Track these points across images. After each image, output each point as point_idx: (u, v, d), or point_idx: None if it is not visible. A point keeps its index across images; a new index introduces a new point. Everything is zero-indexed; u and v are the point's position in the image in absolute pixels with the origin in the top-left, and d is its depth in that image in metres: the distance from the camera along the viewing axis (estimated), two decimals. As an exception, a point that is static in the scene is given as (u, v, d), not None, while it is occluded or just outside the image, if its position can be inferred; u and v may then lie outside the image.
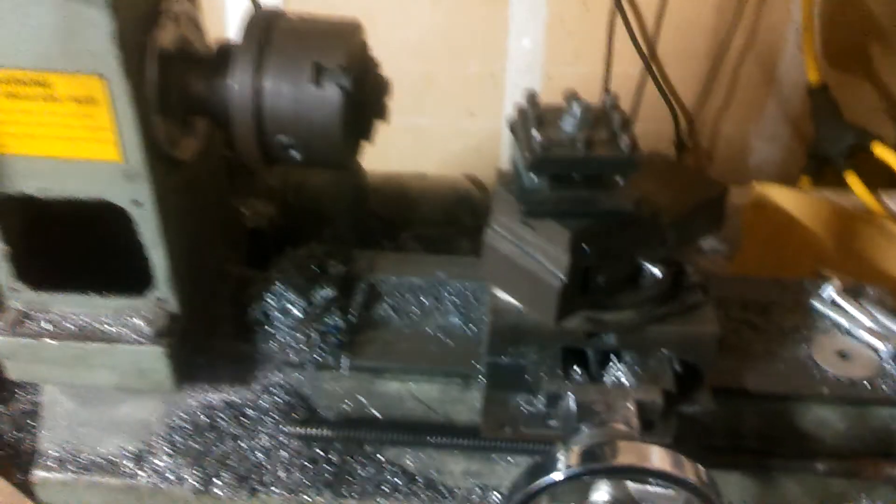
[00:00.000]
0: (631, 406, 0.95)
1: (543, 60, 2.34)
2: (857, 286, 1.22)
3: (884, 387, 1.08)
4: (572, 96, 0.90)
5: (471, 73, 2.38)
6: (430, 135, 2.46)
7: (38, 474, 1.18)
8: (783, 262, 1.55)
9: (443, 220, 1.81)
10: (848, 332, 1.16)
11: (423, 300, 1.20)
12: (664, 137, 2.40)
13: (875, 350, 1.12)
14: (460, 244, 1.75)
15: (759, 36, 2.30)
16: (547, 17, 2.28)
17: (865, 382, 1.09)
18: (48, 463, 1.18)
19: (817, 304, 1.19)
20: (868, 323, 1.14)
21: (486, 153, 2.47)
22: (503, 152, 2.47)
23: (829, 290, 1.19)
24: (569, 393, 0.96)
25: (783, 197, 1.56)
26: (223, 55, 0.97)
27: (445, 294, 1.20)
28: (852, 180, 1.78)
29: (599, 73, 2.30)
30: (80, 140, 0.94)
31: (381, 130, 1.10)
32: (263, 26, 0.96)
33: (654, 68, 2.31)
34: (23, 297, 1.07)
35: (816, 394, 1.09)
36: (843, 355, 1.12)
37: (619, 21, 2.23)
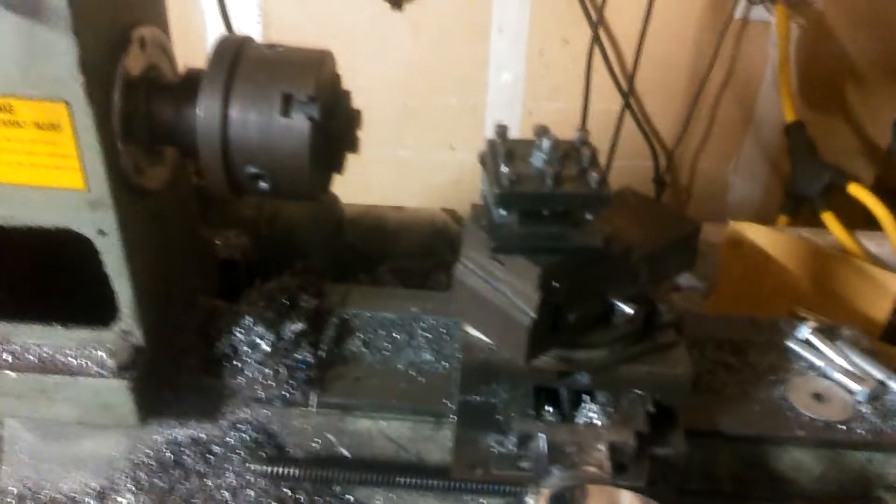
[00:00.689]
0: (603, 447, 0.93)
1: (523, 95, 2.36)
2: (832, 327, 1.21)
3: (859, 430, 1.07)
4: (542, 131, 0.89)
5: (451, 106, 2.38)
6: (411, 167, 2.46)
7: (-5, 512, 1.14)
8: (759, 300, 1.54)
9: (420, 254, 1.80)
10: (823, 374, 1.15)
11: (396, 335, 1.19)
12: (643, 174, 2.41)
13: (850, 392, 1.11)
14: (438, 278, 1.74)
15: (737, 74, 2.32)
16: (527, 52, 2.29)
17: (841, 425, 1.07)
18: (8, 500, 1.14)
19: (793, 345, 1.18)
20: (843, 364, 1.13)
21: (467, 186, 2.47)
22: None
23: (805, 331, 1.18)
24: (540, 434, 0.94)
25: (759, 235, 1.56)
26: (191, 82, 0.96)
27: (418, 329, 1.19)
28: (829, 220, 1.78)
29: (579, 108, 2.32)
30: (44, 167, 0.92)
31: (361, 162, 1.08)
32: (232, 54, 0.95)
33: (633, 104, 2.32)
34: (-17, 326, 1.04)
35: (792, 436, 1.08)
36: (818, 397, 1.11)
37: (599, 57, 2.25)
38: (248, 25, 2.21)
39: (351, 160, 1.06)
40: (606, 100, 2.31)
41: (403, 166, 2.46)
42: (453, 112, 2.39)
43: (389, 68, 2.30)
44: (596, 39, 2.22)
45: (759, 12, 2.21)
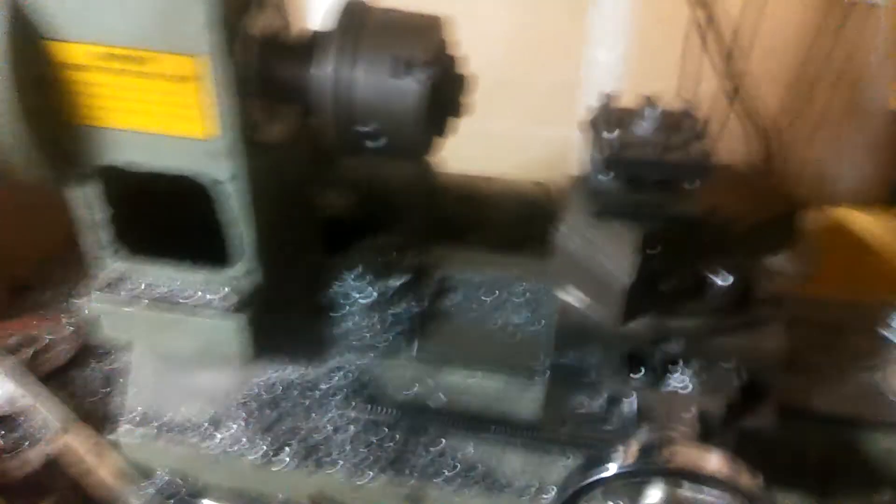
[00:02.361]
0: (692, 414, 0.95)
1: (622, 74, 2.34)
2: (935, 314, 1.19)
3: (956, 420, 1.05)
4: (650, 99, 0.91)
5: (547, 82, 2.39)
6: (503, 141, 2.48)
7: (124, 427, 1.24)
8: (860, 287, 1.51)
9: (511, 224, 1.83)
10: (919, 361, 1.13)
11: (493, 295, 1.22)
12: (749, 159, 2.37)
13: (946, 380, 1.09)
14: (527, 248, 1.76)
15: (851, 60, 2.25)
16: (627, 31, 2.28)
17: (935, 412, 1.06)
18: (134, 418, 1.24)
19: (891, 331, 1.16)
20: (941, 352, 1.12)
21: (559, 161, 2.48)
22: (574, 161, 2.47)
23: (902, 317, 1.17)
24: (630, 396, 0.97)
25: (861, 221, 1.53)
26: (316, 43, 1.02)
27: (515, 290, 1.22)
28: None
29: (684, 91, 2.29)
30: (180, 117, 0.99)
31: (454, 133, 1.13)
32: (357, 18, 1.00)
33: (740, 89, 2.28)
34: (118, 263, 1.14)
35: (884, 421, 1.07)
36: (913, 383, 1.09)
37: (701, 39, 2.21)
38: None
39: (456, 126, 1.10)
40: (714, 84, 2.27)
41: (495, 139, 2.48)
42: (548, 88, 2.40)
43: (487, 41, 2.31)
44: (701, 20, 2.18)
45: (870, -5, 2.14)
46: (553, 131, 2.45)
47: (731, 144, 2.32)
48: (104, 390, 1.34)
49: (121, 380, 1.29)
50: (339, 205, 1.46)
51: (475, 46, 2.35)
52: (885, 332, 1.17)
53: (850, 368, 1.13)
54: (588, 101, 2.35)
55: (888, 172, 2.26)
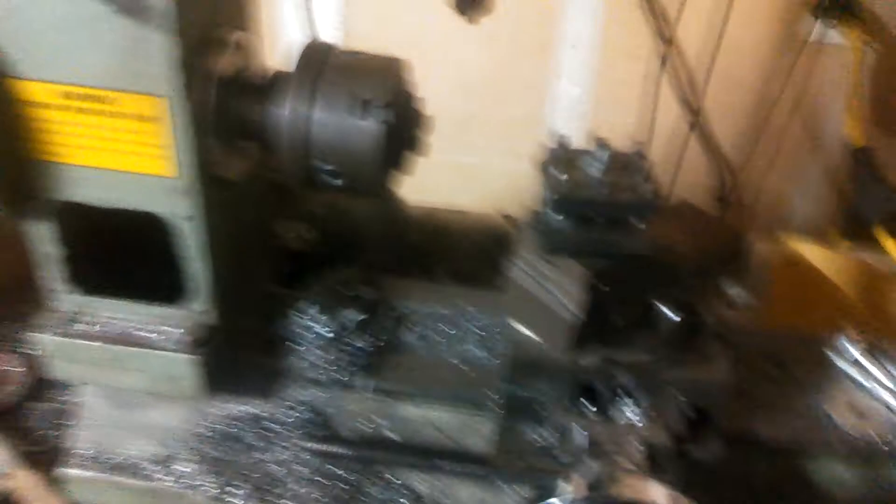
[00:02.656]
0: (640, 445, 0.97)
1: (589, 108, 2.39)
2: (878, 343, 1.22)
3: (899, 447, 1.08)
4: (600, 142, 0.94)
5: (517, 116, 2.43)
6: (473, 173, 2.52)
7: (70, 471, 1.23)
8: (812, 319, 1.55)
9: (479, 257, 1.85)
10: (868, 392, 1.16)
11: (449, 330, 1.24)
12: (707, 191, 2.42)
13: (892, 410, 1.12)
14: (493, 281, 1.78)
15: (807, 97, 2.32)
16: (595, 66, 2.33)
17: (880, 441, 1.09)
18: (79, 461, 1.23)
19: (836, 360, 1.19)
20: (886, 382, 1.15)
21: (524, 193, 2.51)
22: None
23: (851, 348, 1.20)
24: (579, 428, 0.99)
25: (814, 254, 1.57)
26: (278, 84, 1.04)
27: (470, 325, 1.24)
28: (890, 245, 1.77)
29: (645, 124, 2.34)
30: (139, 155, 1.01)
31: (424, 165, 1.15)
32: (318, 59, 1.03)
33: (700, 122, 2.34)
34: (73, 300, 1.14)
35: (831, 450, 1.10)
36: (858, 412, 1.12)
37: (666, 74, 2.27)
38: (328, 31, 2.31)
39: (415, 162, 1.12)
40: (673, 117, 2.33)
41: (466, 172, 2.52)
42: (518, 122, 2.44)
43: (459, 75, 2.37)
44: (666, 57, 2.24)
45: (833, 36, 2.21)
46: (525, 164, 2.49)
47: (690, 177, 2.38)
48: (55, 427, 1.32)
49: (72, 417, 1.28)
50: (301, 237, 1.47)
51: (448, 81, 2.41)
52: (832, 364, 1.20)
53: (796, 397, 1.16)
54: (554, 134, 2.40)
55: (842, 204, 2.32)
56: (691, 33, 2.24)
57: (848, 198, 2.24)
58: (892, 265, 1.63)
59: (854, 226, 2.05)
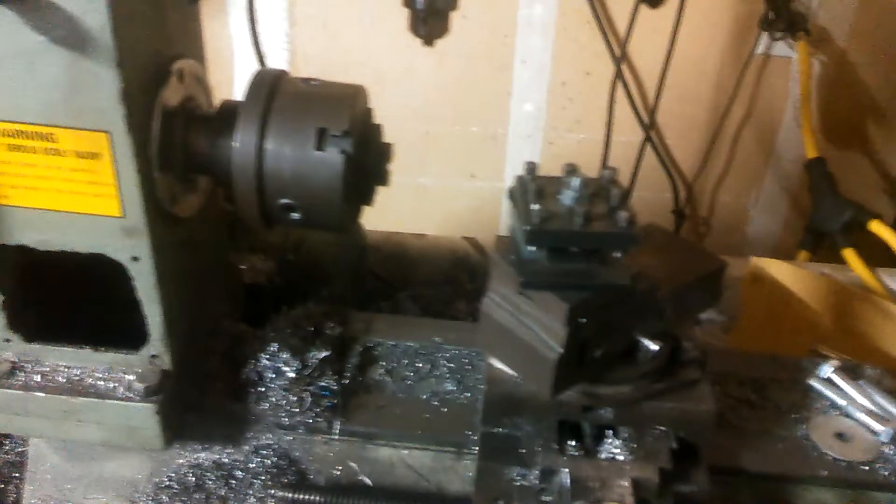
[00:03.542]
0: (626, 483, 0.94)
1: (545, 125, 2.38)
2: (855, 366, 1.21)
3: (883, 470, 1.07)
4: (571, 169, 0.90)
5: (473, 134, 2.41)
6: (432, 194, 2.48)
7: (20, 531, 1.15)
8: (781, 336, 1.54)
9: (441, 281, 1.81)
10: (846, 414, 1.14)
11: (419, 365, 1.20)
12: (663, 206, 2.42)
13: (874, 432, 1.10)
14: (458, 305, 1.75)
15: (758, 109, 2.34)
16: (549, 83, 2.32)
17: (864, 465, 1.07)
18: (30, 519, 1.16)
19: (815, 384, 1.18)
20: (867, 404, 1.13)
21: (487, 214, 2.49)
22: (503, 213, 2.49)
23: (827, 370, 1.18)
24: (563, 468, 0.95)
25: (781, 272, 1.57)
26: (227, 114, 0.98)
27: (441, 359, 1.20)
28: (850, 257, 1.78)
29: (600, 140, 2.33)
30: (82, 194, 0.94)
31: (383, 188, 1.10)
32: (268, 87, 0.97)
33: (653, 137, 2.34)
34: (15, 347, 1.06)
35: (814, 476, 1.07)
36: (841, 437, 1.10)
37: (621, 89, 2.27)
38: (275, 52, 2.25)
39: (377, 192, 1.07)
40: (628, 132, 2.33)
41: (424, 193, 2.48)
42: (475, 141, 2.41)
43: (412, 96, 2.33)
44: (618, 72, 2.24)
45: (780, 48, 2.23)
46: (483, 183, 2.47)
47: (645, 191, 2.38)
48: (3, 481, 1.24)
49: (22, 470, 1.20)
50: (262, 271, 1.41)
51: (404, 103, 2.37)
52: (814, 383, 1.18)
53: (777, 423, 1.14)
54: (516, 153, 2.38)
55: (801, 218, 2.34)
56: (643, 48, 2.24)
57: (804, 210, 2.26)
58: (854, 279, 1.64)
59: (812, 236, 2.07)
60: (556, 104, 2.35)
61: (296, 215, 0.99)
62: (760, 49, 2.25)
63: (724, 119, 2.33)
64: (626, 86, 2.27)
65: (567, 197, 0.89)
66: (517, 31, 2.25)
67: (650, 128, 2.31)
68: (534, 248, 0.89)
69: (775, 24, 2.19)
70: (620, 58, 2.22)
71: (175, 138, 0.97)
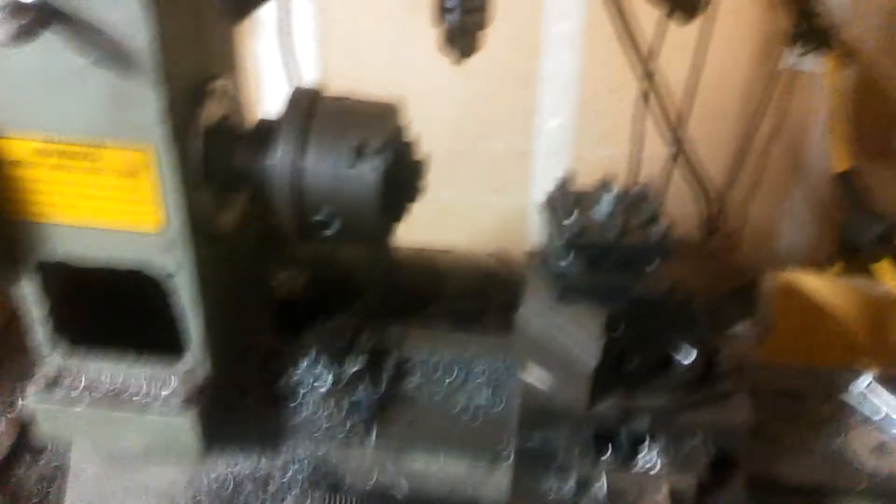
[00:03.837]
0: (662, 494, 0.94)
1: (572, 140, 2.38)
2: (891, 377, 1.20)
3: (921, 484, 1.06)
4: (606, 182, 0.91)
5: (499, 151, 2.42)
6: (457, 210, 2.49)
7: (62, 538, 1.17)
8: (814, 349, 1.53)
9: (470, 295, 1.82)
10: (883, 426, 1.13)
11: (452, 377, 1.20)
12: (692, 220, 2.41)
13: (911, 445, 1.09)
14: (487, 320, 1.75)
15: (787, 123, 2.33)
16: (576, 98, 2.32)
17: (902, 478, 1.06)
18: (71, 527, 1.17)
19: (851, 396, 1.17)
20: (902, 417, 1.12)
21: (513, 231, 2.50)
22: (529, 230, 2.49)
23: (864, 383, 1.17)
24: (599, 479, 0.95)
25: (813, 284, 1.56)
26: (264, 131, 1.00)
27: (474, 371, 1.20)
28: (881, 270, 1.77)
29: (628, 155, 2.33)
30: (123, 211, 0.96)
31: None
32: (306, 105, 0.99)
33: (682, 152, 2.33)
34: (58, 359, 1.09)
35: (849, 488, 1.06)
36: (879, 449, 1.09)
37: (648, 105, 2.27)
38: (305, 71, 2.28)
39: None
40: (656, 147, 2.32)
41: (449, 209, 2.49)
42: (500, 157, 2.42)
43: (439, 111, 2.35)
44: (646, 88, 2.24)
45: (808, 62, 2.22)
46: (509, 199, 2.47)
47: (676, 207, 2.37)
48: (45, 490, 1.26)
49: (63, 479, 1.22)
50: (294, 285, 1.43)
51: (430, 117, 2.38)
52: (846, 399, 1.17)
53: (813, 436, 1.13)
54: (542, 170, 2.39)
55: (832, 232, 2.32)
56: (671, 64, 2.24)
57: (836, 223, 2.24)
58: (887, 291, 1.62)
59: (844, 251, 2.05)
60: (584, 119, 2.35)
61: (333, 230, 1.01)
62: (788, 63, 2.24)
63: (752, 134, 2.33)
64: (654, 100, 2.27)
65: (601, 210, 0.90)
66: (543, 47, 2.27)
67: (679, 143, 2.31)
68: (568, 262, 0.90)
69: (802, 38, 2.19)
70: (648, 73, 2.23)
71: (214, 155, 0.99)
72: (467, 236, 2.51)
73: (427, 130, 2.40)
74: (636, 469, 0.97)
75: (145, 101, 0.89)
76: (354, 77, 2.35)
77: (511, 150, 2.42)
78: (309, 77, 2.31)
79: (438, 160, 2.50)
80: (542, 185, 2.41)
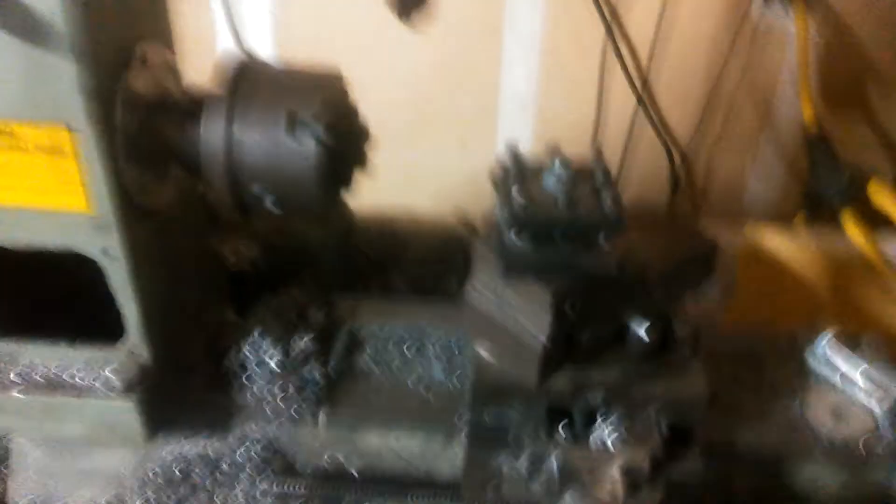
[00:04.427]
0: (616, 470, 0.92)
1: (536, 94, 2.33)
2: (852, 337, 1.18)
3: (878, 449, 1.05)
4: (555, 152, 0.87)
5: (463, 106, 2.36)
6: (423, 168, 2.44)
7: (7, 525, 1.14)
8: (778, 309, 1.51)
9: (432, 259, 1.78)
10: (842, 390, 1.12)
11: (406, 350, 1.17)
12: (658, 174, 2.38)
13: (870, 410, 1.08)
14: (450, 284, 1.72)
15: (754, 74, 2.28)
16: (540, 52, 2.26)
17: (860, 443, 1.05)
18: (16, 514, 1.14)
19: (811, 359, 1.15)
20: (862, 381, 1.11)
21: (478, 187, 2.45)
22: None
23: (823, 344, 1.16)
24: (552, 455, 0.93)
25: (778, 242, 1.53)
26: (197, 102, 0.94)
27: (428, 344, 1.18)
28: (848, 224, 1.75)
29: (593, 108, 2.29)
30: (48, 191, 0.91)
31: (372, 163, 1.07)
32: (237, 73, 0.93)
33: (647, 104, 2.29)
34: (-10, 344, 1.04)
35: (808, 454, 1.06)
36: (837, 414, 1.08)
37: (613, 57, 2.22)
38: (260, 36, 2.20)
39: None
40: (621, 100, 2.28)
41: (414, 167, 2.44)
42: (465, 112, 2.37)
43: (401, 68, 2.28)
44: (610, 39, 2.19)
45: (776, 13, 2.17)
46: (475, 157, 2.42)
47: (640, 162, 2.34)
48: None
49: (5, 465, 1.18)
50: (247, 256, 1.38)
51: (393, 75, 2.31)
52: (809, 357, 1.16)
53: (771, 401, 1.12)
54: (507, 125, 2.33)
55: (798, 185, 2.31)
56: (636, 15, 2.18)
57: (802, 176, 2.23)
58: (855, 250, 1.60)
59: (813, 205, 2.04)
60: (547, 72, 2.29)
61: (271, 203, 0.96)
62: (755, 13, 2.19)
63: (719, 86, 2.28)
64: (618, 52, 2.22)
65: (550, 181, 0.86)
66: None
67: (643, 95, 2.26)
68: (519, 237, 0.87)
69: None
70: (611, 23, 2.17)
71: (143, 128, 0.94)
72: (434, 195, 2.46)
73: (388, 87, 2.33)
74: (590, 444, 0.95)
75: (61, 74, 0.83)
76: (312, 36, 2.28)
77: (476, 105, 2.36)
78: (264, 38, 2.23)
79: (401, 118, 2.45)
80: (508, 140, 2.37)
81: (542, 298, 0.86)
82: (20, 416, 1.04)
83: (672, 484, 0.96)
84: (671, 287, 0.99)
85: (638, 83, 2.25)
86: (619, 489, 0.90)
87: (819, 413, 1.09)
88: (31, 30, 0.80)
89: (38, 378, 1.03)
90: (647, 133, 2.31)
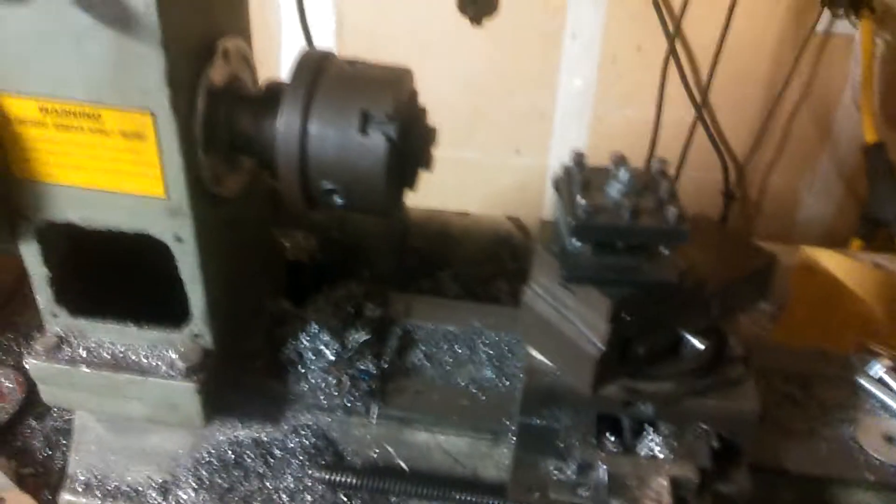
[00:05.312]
0: (664, 481, 0.92)
1: (593, 101, 2.33)
2: (905, 362, 1.17)
3: (932, 477, 1.03)
4: (619, 160, 0.88)
5: (520, 110, 2.37)
6: (476, 169, 2.46)
7: (66, 498, 1.18)
8: (830, 328, 1.50)
9: (483, 260, 1.80)
10: (893, 413, 1.11)
11: (458, 349, 1.19)
12: (712, 186, 2.36)
13: (923, 435, 1.07)
14: (499, 285, 1.73)
15: (815, 90, 2.26)
16: (599, 58, 2.26)
17: (912, 471, 1.04)
18: (76, 487, 1.18)
19: (864, 382, 1.14)
20: (916, 406, 1.10)
21: (531, 191, 2.46)
22: (548, 190, 2.45)
23: (877, 368, 1.14)
24: (601, 463, 0.93)
25: (832, 262, 1.52)
26: (272, 95, 0.97)
27: (480, 345, 1.19)
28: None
29: (649, 117, 2.28)
30: (126, 174, 0.94)
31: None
32: (313, 69, 0.96)
33: (705, 115, 2.27)
34: (61, 322, 1.08)
35: (860, 479, 1.05)
36: (889, 439, 1.07)
37: (673, 66, 2.21)
38: (323, 29, 2.23)
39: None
40: (678, 109, 2.27)
41: (468, 168, 2.46)
42: (521, 116, 2.38)
43: (460, 69, 2.30)
44: (671, 48, 2.18)
45: (842, 26, 2.14)
46: (529, 159, 2.43)
47: (695, 171, 2.32)
48: (50, 448, 1.27)
49: (68, 438, 1.23)
50: (305, 248, 1.41)
51: (450, 76, 2.33)
52: (861, 381, 1.15)
53: (823, 422, 1.11)
54: (563, 129, 2.34)
55: (856, 205, 2.27)
56: (697, 24, 2.17)
57: (860, 196, 2.19)
58: (912, 270, 1.58)
59: (867, 224, 2.00)
60: (606, 79, 2.29)
61: (338, 199, 0.98)
62: (821, 27, 2.16)
63: (779, 99, 2.26)
64: (678, 62, 2.20)
65: (614, 189, 0.87)
66: (568, 4, 2.20)
67: (702, 106, 2.25)
68: (579, 242, 0.87)
69: (837, 0, 2.10)
70: (674, 33, 2.16)
71: (219, 119, 0.97)
72: (485, 197, 2.48)
73: (447, 87, 2.35)
74: (639, 454, 0.95)
75: (146, 64, 0.86)
76: (373, 32, 2.30)
77: (533, 110, 2.37)
78: (327, 31, 2.26)
79: (459, 118, 2.47)
80: (563, 146, 2.37)
81: (600, 305, 0.87)
82: (86, 391, 1.07)
83: (719, 498, 0.96)
84: (727, 302, 0.99)
85: (697, 94, 2.23)
86: (667, 500, 0.90)
87: (871, 437, 1.08)
88: (123, 21, 0.83)
89: (106, 356, 1.07)
90: (704, 144, 2.29)
